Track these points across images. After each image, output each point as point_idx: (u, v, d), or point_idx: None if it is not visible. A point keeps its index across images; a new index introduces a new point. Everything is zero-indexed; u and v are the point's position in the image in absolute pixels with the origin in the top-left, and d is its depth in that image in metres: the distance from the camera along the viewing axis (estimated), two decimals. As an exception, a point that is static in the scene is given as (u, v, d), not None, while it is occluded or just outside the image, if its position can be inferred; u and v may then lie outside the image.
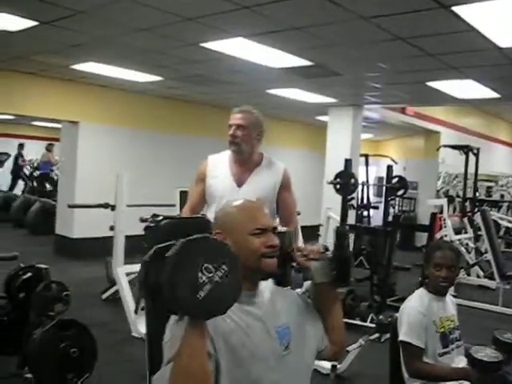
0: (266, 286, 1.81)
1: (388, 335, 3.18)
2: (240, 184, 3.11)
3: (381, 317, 4.09)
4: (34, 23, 4.95)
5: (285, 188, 3.17)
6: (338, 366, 4.31)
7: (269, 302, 1.76)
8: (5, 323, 3.74)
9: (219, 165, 3.19)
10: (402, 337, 2.71)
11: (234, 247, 1.67)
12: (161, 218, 1.97)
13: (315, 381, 1.87)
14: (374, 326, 4.77)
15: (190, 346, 1.38)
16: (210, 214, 3.03)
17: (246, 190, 3.07)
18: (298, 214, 6.20)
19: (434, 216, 6.19)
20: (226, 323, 1.58)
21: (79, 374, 3.54)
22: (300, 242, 5.25)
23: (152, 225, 1.93)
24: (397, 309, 2.93)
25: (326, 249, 1.85)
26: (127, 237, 5.41)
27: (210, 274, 1.33)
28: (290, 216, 3.21)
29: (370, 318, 5.59)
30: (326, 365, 4.27)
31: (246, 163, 3.14)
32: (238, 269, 1.40)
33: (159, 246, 1.44)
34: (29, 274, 3.89)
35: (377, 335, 4.40)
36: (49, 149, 13.91)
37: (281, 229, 1.86)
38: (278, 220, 3.28)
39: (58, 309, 3.87)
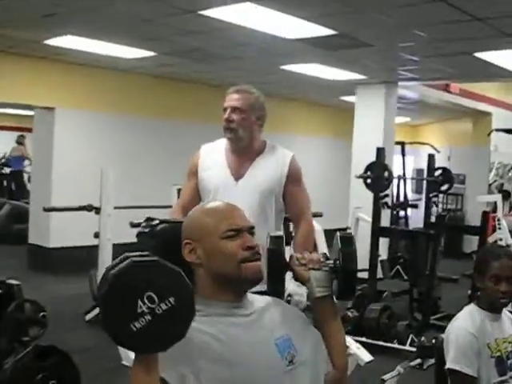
0: (260, 298, 1.85)
1: (432, 361, 3.18)
2: (238, 177, 3.12)
3: (423, 339, 4.09)
4: (0, -10, 4.98)
5: (293, 180, 3.16)
6: (373, 399, 4.30)
7: (263, 313, 1.79)
8: (-30, 351, 3.77)
9: (213, 155, 3.21)
10: (449, 364, 2.70)
11: (205, 257, 1.72)
12: (156, 221, 1.97)
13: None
14: (414, 349, 4.76)
15: (138, 381, 1.42)
16: None
17: (245, 183, 3.08)
18: (320, 215, 6.22)
19: (485, 215, 6.16)
20: (208, 348, 1.61)
21: (60, 411, 3.56)
22: (324, 248, 5.25)
23: (146, 230, 1.93)
24: (442, 329, 2.93)
25: (327, 257, 1.88)
26: (115, 245, 5.43)
27: (153, 305, 1.35)
28: (302, 214, 3.21)
29: (409, 340, 5.58)
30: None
31: (245, 153, 3.15)
32: (189, 303, 1.42)
33: (129, 255, 1.45)
34: (-2, 292, 3.91)
35: (418, 361, 4.40)
36: (20, 141, 13.88)
37: (274, 233, 1.88)
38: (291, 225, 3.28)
39: (33, 333, 3.88)
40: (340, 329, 1.93)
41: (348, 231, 2.06)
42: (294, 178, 3.16)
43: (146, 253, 1.46)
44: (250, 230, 1.78)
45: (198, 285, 1.74)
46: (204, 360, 1.59)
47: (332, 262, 1.85)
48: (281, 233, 1.89)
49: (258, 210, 2.93)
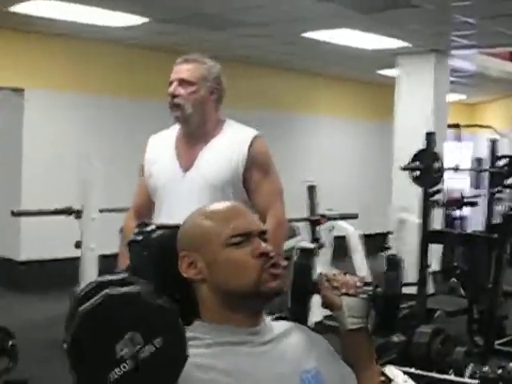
0: (279, 322, 1.84)
1: (498, 397, 3.16)
2: (186, 167, 3.13)
3: (486, 368, 4.05)
4: None
5: (255, 166, 3.12)
6: None
7: (284, 341, 1.77)
8: None
9: (163, 144, 3.26)
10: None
11: (208, 270, 1.70)
12: (152, 227, 1.97)
13: None
14: (475, 382, 4.74)
15: None
16: (156, 218, 3.07)
17: (194, 175, 3.10)
18: (355, 216, 6.18)
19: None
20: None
21: None
22: (362, 260, 5.23)
23: (139, 238, 1.93)
24: (509, 356, 2.91)
25: (366, 283, 1.86)
26: (102, 257, 5.44)
27: (135, 349, 1.34)
28: (268, 207, 3.13)
29: (469, 370, 5.56)
30: None
31: (196, 137, 3.17)
32: (180, 344, 1.41)
33: (102, 280, 1.45)
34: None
35: (480, 397, 4.38)
36: None
37: (303, 244, 1.88)
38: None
39: (0, 366, 3.91)
40: (377, 369, 1.91)
41: (393, 253, 2.05)
42: (255, 163, 3.13)
43: (124, 275, 1.44)
44: (262, 235, 1.76)
45: (202, 306, 1.72)
46: None
47: (371, 288, 1.84)
48: (311, 245, 1.88)
49: None
